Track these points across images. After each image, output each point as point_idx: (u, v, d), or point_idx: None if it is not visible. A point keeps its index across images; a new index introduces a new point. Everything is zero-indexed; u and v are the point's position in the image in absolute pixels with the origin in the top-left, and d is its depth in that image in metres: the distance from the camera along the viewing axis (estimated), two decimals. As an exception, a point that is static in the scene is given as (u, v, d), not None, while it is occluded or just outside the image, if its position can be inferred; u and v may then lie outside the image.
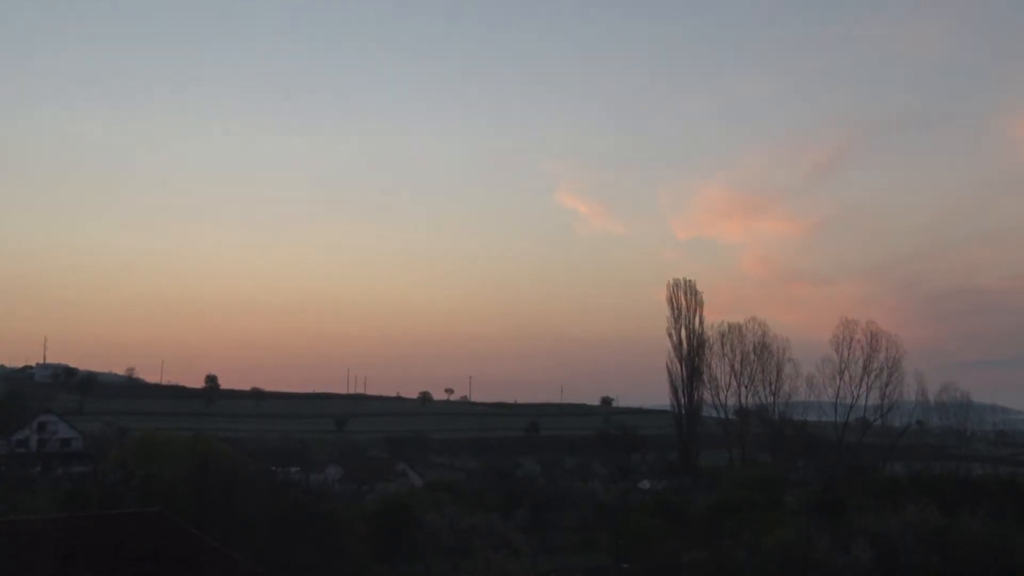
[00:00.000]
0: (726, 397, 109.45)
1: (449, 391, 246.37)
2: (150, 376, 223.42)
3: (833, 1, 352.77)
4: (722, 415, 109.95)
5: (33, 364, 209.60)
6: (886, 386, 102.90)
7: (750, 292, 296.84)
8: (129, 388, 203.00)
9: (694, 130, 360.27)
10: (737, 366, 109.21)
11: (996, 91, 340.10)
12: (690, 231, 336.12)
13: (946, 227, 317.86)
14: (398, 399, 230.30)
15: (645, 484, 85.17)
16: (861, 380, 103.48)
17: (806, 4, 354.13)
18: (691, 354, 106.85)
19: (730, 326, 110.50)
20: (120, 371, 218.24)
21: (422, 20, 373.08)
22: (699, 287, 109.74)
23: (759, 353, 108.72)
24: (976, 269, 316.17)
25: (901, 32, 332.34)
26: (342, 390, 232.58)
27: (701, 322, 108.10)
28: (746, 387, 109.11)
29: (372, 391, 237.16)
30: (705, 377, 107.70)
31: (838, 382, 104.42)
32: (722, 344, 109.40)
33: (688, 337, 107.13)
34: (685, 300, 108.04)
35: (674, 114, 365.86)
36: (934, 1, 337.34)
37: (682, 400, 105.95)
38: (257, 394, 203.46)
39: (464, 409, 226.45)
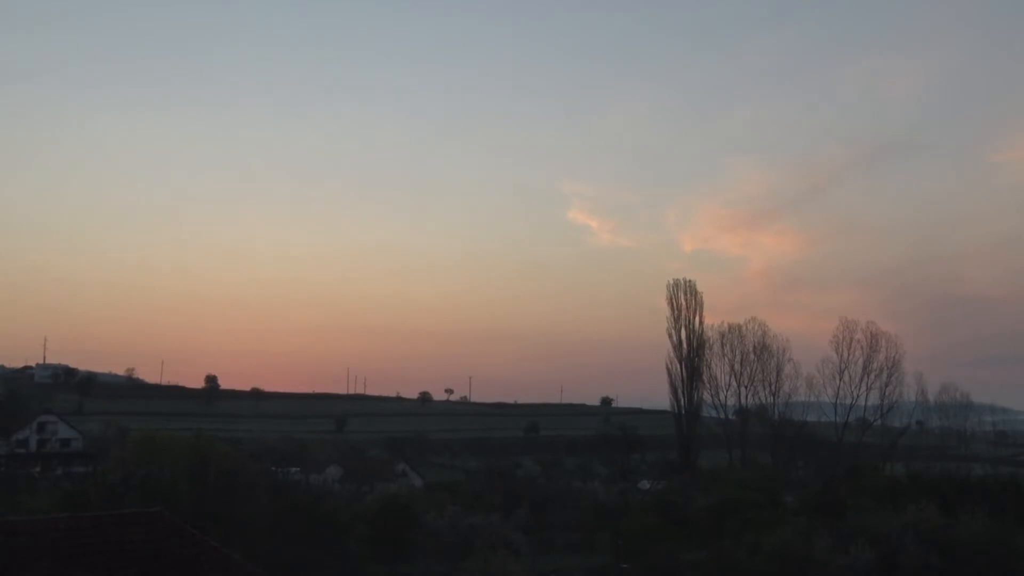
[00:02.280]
0: (726, 397, 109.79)
1: (449, 391, 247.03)
2: (150, 376, 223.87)
3: (831, 39, 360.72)
4: (722, 415, 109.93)
5: (33, 364, 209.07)
6: (886, 386, 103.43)
7: (752, 299, 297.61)
8: (129, 388, 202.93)
9: (701, 151, 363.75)
10: (737, 366, 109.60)
11: (980, 120, 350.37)
12: (694, 244, 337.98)
13: (939, 240, 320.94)
14: (398, 399, 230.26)
15: (645, 484, 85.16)
16: (861, 380, 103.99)
17: (805, 43, 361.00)
18: (691, 354, 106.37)
19: (730, 326, 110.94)
20: (120, 371, 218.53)
21: (443, 41, 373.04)
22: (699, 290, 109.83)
23: (759, 353, 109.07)
24: (972, 277, 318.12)
25: (893, 67, 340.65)
26: (342, 390, 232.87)
27: (701, 323, 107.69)
28: (746, 387, 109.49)
29: (372, 391, 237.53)
30: (705, 377, 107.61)
31: (838, 382, 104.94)
32: (722, 344, 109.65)
33: (688, 337, 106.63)
34: (685, 300, 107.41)
35: (682, 137, 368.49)
36: (923, 39, 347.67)
37: (682, 400, 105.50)
38: (257, 394, 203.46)
39: (464, 409, 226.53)
